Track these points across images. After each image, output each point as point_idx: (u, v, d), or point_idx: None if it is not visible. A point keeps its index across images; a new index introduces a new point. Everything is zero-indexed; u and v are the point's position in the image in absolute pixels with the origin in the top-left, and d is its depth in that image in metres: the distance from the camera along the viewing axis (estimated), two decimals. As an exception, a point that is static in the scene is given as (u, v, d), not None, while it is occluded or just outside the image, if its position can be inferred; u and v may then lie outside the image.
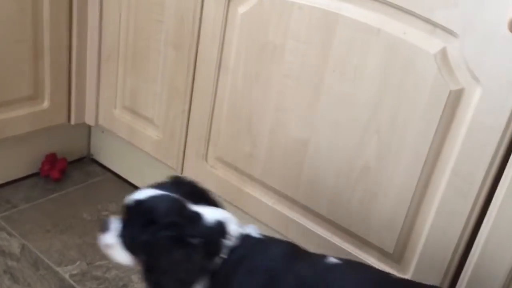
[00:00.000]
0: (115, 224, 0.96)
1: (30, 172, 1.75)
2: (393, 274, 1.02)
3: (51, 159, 1.76)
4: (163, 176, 1.04)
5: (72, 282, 1.37)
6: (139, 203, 0.95)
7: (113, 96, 1.62)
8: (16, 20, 1.42)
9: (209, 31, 1.30)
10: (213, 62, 1.32)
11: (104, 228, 0.97)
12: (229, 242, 0.90)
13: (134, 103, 1.57)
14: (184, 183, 1.01)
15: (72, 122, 1.71)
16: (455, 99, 1.00)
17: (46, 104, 1.60)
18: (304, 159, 1.23)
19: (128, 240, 0.94)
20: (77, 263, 1.44)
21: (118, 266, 1.35)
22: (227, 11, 1.26)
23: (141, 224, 0.91)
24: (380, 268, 1.08)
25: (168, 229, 0.88)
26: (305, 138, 1.21)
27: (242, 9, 1.23)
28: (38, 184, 1.73)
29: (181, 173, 1.51)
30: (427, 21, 1.00)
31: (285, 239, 1.11)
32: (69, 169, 1.80)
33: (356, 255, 1.20)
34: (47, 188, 1.71)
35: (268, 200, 1.32)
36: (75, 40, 1.58)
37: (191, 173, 1.47)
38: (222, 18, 1.27)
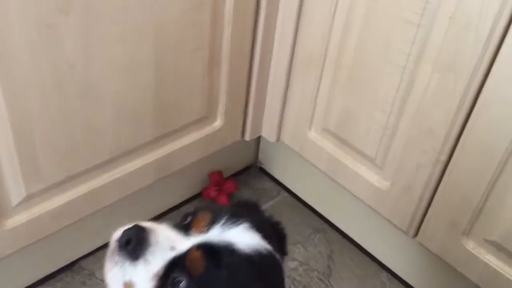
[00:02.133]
0: (157, 256, 0.56)
1: (190, 195, 1.39)
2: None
3: (217, 180, 1.37)
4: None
5: None
6: (235, 259, 0.56)
7: (309, 113, 1.15)
8: (191, 21, 0.98)
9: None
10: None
11: (130, 243, 0.56)
12: None
13: (344, 129, 1.10)
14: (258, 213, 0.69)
15: (247, 138, 1.29)
16: None
17: (218, 123, 1.18)
18: None
19: None
20: None
21: None
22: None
23: None
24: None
25: None
26: None
27: None
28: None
29: (414, 237, 1.06)
30: None
31: None
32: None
33: None
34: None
35: None
36: (259, 41, 1.10)
37: (437, 248, 1.01)
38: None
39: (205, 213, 0.59)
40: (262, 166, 1.50)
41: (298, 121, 1.20)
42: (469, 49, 0.82)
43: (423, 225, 1.02)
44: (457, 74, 0.85)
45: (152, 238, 0.56)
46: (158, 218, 1.33)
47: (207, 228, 0.57)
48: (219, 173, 1.38)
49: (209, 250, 0.55)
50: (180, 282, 0.55)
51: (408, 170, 1.00)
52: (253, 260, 0.56)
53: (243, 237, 0.57)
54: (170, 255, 0.56)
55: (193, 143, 1.15)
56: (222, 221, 0.57)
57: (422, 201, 1.00)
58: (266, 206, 1.41)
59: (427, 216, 1.01)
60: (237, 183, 1.41)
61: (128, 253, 0.55)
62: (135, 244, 0.55)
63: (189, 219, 0.60)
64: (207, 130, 1.17)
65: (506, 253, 0.91)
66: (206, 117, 1.15)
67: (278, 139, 1.28)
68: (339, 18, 1.00)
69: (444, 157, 0.93)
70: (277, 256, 0.60)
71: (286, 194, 1.45)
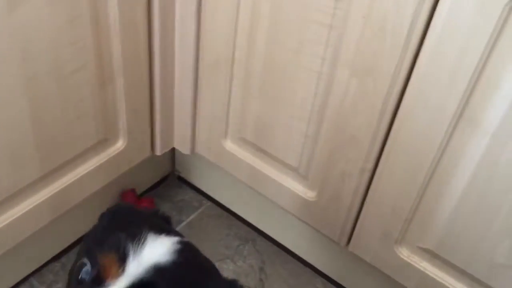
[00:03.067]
0: None
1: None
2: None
3: (131, 200, 1.24)
4: None
5: None
6: (172, 275, 0.51)
7: (223, 123, 1.04)
8: (69, 38, 0.82)
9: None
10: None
11: None
12: None
13: (262, 139, 1.00)
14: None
15: (158, 152, 1.16)
16: None
17: (121, 143, 1.04)
18: None
19: None
20: None
21: None
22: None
23: None
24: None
25: None
26: None
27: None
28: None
29: (346, 246, 0.99)
30: None
31: None
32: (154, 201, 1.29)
33: None
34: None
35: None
36: (156, 48, 0.96)
37: (370, 257, 0.95)
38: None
39: (107, 256, 0.50)
40: (181, 175, 1.38)
41: (211, 131, 1.08)
42: (387, 51, 0.74)
43: (355, 234, 0.96)
44: (376, 79, 0.77)
45: None
46: (70, 248, 1.19)
47: (121, 268, 0.49)
48: (132, 192, 1.25)
49: (142, 286, 0.48)
50: None
51: (335, 179, 0.92)
52: (183, 261, 0.52)
53: (156, 249, 0.51)
54: None
55: (93, 171, 1.00)
56: (130, 251, 0.50)
57: (352, 210, 0.93)
58: (189, 220, 1.30)
59: (357, 225, 0.94)
60: (153, 200, 1.28)
61: None
62: None
63: (88, 272, 0.50)
64: (109, 152, 1.03)
65: (441, 260, 0.86)
66: (105, 140, 1.00)
67: (193, 151, 1.16)
68: (243, 16, 0.88)
69: (370, 165, 0.86)
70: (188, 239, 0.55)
71: (209, 203, 1.34)
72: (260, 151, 1.02)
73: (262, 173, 1.04)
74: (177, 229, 1.28)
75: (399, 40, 0.71)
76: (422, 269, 0.88)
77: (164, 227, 0.55)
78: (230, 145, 1.07)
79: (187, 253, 0.53)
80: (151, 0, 0.90)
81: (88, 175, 0.99)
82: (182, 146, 1.16)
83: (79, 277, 0.51)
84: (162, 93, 1.05)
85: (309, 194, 0.98)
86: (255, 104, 0.97)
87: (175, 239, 0.53)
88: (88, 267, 0.51)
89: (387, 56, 0.74)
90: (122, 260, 0.49)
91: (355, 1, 0.74)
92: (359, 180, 0.88)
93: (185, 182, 1.38)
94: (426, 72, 0.71)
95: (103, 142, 1.00)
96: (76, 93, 0.88)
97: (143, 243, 0.50)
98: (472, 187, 0.76)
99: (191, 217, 1.30)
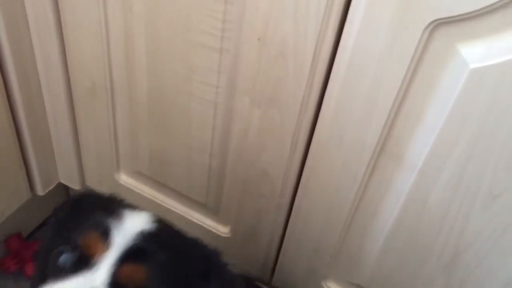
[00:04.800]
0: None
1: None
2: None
3: (16, 247, 1.05)
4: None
5: None
6: (159, 240, 0.52)
7: (111, 155, 0.87)
8: None
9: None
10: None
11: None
12: None
13: (161, 173, 0.85)
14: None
15: (41, 192, 0.97)
16: None
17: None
18: None
19: None
20: None
21: None
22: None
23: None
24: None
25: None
26: None
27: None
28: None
29: (269, 282, 0.89)
30: None
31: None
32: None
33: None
34: (26, 296, 1.05)
35: None
36: (14, 79, 0.77)
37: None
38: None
39: (88, 235, 0.49)
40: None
41: (100, 163, 0.91)
42: (290, 79, 0.61)
43: (277, 270, 0.85)
44: (281, 110, 0.64)
45: None
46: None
47: (106, 243, 0.49)
48: (16, 236, 1.06)
49: (132, 254, 0.49)
50: None
51: (249, 215, 0.80)
52: (165, 227, 0.54)
53: (136, 220, 0.52)
54: None
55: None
56: (111, 225, 0.50)
57: (271, 247, 0.82)
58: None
59: (279, 261, 0.83)
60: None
61: None
62: None
63: (69, 257, 0.49)
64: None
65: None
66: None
67: (83, 185, 0.99)
68: (115, 39, 0.72)
69: (286, 200, 0.75)
70: None
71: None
72: (160, 185, 0.88)
73: (166, 208, 0.90)
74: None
75: (303, 67, 0.58)
76: (354, 303, 0.80)
77: (129, 204, 0.55)
78: (125, 179, 0.91)
79: (165, 223, 0.54)
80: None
81: None
82: (70, 181, 0.99)
83: (57, 265, 0.49)
84: (33, 131, 0.86)
85: (222, 230, 0.86)
86: (147, 135, 0.81)
87: (148, 212, 0.53)
88: (66, 254, 0.49)
89: (291, 84, 0.61)
90: (105, 235, 0.49)
91: (245, 22, 0.59)
92: (275, 216, 0.77)
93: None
94: (338, 103, 0.59)
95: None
96: None
97: (121, 217, 0.51)
98: (401, 222, 0.66)
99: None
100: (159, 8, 0.65)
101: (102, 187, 0.96)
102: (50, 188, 0.99)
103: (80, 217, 0.53)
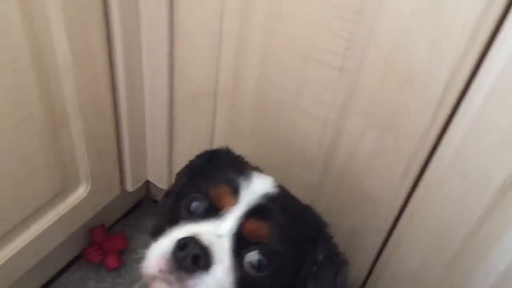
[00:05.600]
0: (222, 252, 0.52)
1: (66, 261, 1.08)
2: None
3: (100, 238, 1.08)
4: None
5: None
6: (282, 203, 0.56)
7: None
8: (8, 85, 0.64)
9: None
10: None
11: (198, 259, 0.50)
12: None
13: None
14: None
15: (130, 188, 0.99)
16: None
17: (83, 189, 0.87)
18: None
19: None
20: None
21: None
22: None
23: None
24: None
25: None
26: None
27: None
28: (87, 279, 1.07)
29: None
30: None
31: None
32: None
33: None
34: (104, 287, 1.07)
35: None
36: (121, 82, 0.78)
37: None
38: None
39: (221, 188, 0.55)
40: (156, 198, 1.22)
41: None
42: (415, 106, 0.58)
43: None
44: (399, 134, 0.62)
45: (205, 242, 0.50)
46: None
47: (235, 197, 0.54)
48: (102, 228, 1.08)
49: (257, 211, 0.54)
50: (253, 256, 0.52)
51: (342, 237, 0.78)
52: (286, 193, 0.58)
53: (263, 182, 0.56)
54: (226, 243, 0.52)
55: (51, 227, 0.83)
56: (241, 183, 0.55)
57: (360, 272, 0.79)
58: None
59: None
60: (125, 236, 1.12)
61: (202, 268, 0.50)
62: (204, 256, 0.50)
63: (200, 205, 0.55)
64: (69, 202, 0.86)
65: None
66: (63, 191, 0.84)
67: (169, 184, 1.00)
68: (228, 48, 0.71)
69: (387, 226, 0.72)
70: None
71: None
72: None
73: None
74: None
75: (432, 95, 0.56)
76: None
77: (257, 167, 0.61)
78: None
79: (285, 189, 0.59)
80: (110, 28, 0.71)
81: (43, 234, 0.83)
82: (158, 180, 1.00)
83: (189, 210, 0.55)
84: (131, 129, 0.88)
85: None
86: (244, 143, 0.80)
87: (272, 177, 0.58)
88: (198, 201, 0.55)
89: (414, 111, 0.58)
90: (235, 191, 0.54)
91: (372, 42, 0.57)
92: (372, 241, 0.74)
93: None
94: (467, 136, 0.56)
95: (61, 194, 0.84)
96: (22, 148, 0.71)
97: (250, 178, 0.56)
98: (516, 266, 0.62)
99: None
100: (280, 23, 0.63)
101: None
102: (139, 185, 1.00)
103: (213, 169, 0.59)
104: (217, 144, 0.85)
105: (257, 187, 0.55)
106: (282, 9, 0.62)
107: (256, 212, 0.53)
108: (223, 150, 0.64)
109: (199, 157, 0.64)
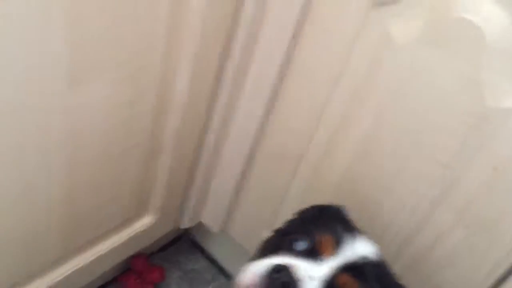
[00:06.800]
0: None
1: (102, 282, 1.07)
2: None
3: (141, 267, 1.08)
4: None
5: None
6: (377, 270, 0.58)
7: (270, 214, 0.89)
8: (127, 115, 0.66)
9: None
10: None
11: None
12: None
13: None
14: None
15: (183, 226, 1.01)
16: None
17: (150, 219, 0.88)
18: None
19: None
20: None
21: None
22: None
23: None
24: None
25: None
26: None
27: None
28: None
29: None
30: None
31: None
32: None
33: None
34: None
35: None
36: (215, 124, 0.82)
37: None
38: None
39: (325, 235, 0.59)
40: (195, 238, 1.23)
41: (253, 221, 0.94)
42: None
43: None
44: (493, 238, 0.64)
45: (297, 275, 0.54)
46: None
47: (336, 249, 0.57)
48: (144, 258, 1.09)
49: (353, 269, 0.56)
50: None
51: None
52: (383, 264, 0.60)
53: (365, 246, 0.59)
54: (315, 285, 0.55)
55: (111, 251, 0.85)
56: (344, 239, 0.58)
57: None
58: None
59: None
60: (164, 270, 1.13)
61: None
62: (292, 286, 0.54)
63: (303, 244, 0.59)
64: (134, 229, 0.88)
65: None
66: (132, 218, 0.85)
67: (222, 230, 1.02)
68: (330, 117, 0.74)
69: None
70: None
71: (223, 278, 1.19)
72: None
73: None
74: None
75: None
76: None
77: (362, 230, 0.62)
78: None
79: (384, 261, 0.61)
80: (220, 74, 0.75)
81: (104, 256, 0.84)
82: (212, 224, 1.01)
83: (291, 246, 0.59)
84: (206, 171, 0.90)
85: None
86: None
87: (377, 246, 0.60)
88: (302, 241, 0.59)
89: (515, 220, 0.61)
90: (338, 242, 0.58)
91: (486, 146, 0.60)
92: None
93: (197, 247, 1.23)
94: None
95: (130, 220, 0.85)
96: (118, 175, 0.73)
97: (355, 235, 0.59)
98: None
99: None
100: (395, 107, 0.67)
101: (243, 240, 0.98)
102: (193, 224, 1.01)
103: (322, 219, 0.63)
104: (287, 205, 0.88)
105: (359, 248, 0.58)
106: (401, 100, 0.66)
107: (352, 269, 0.56)
108: (336, 206, 0.66)
109: (312, 208, 0.67)
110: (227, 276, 1.19)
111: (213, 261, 1.21)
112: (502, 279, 0.66)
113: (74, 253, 0.78)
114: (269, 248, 0.63)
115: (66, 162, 0.62)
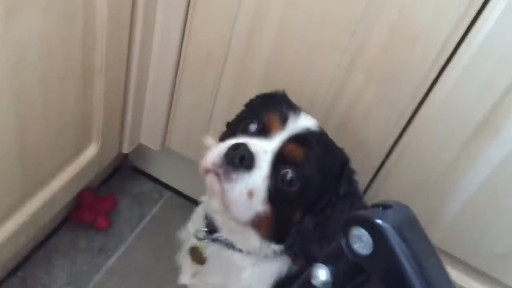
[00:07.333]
0: (263, 161, 0.65)
1: (54, 224, 1.11)
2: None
3: (90, 200, 1.12)
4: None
5: None
6: (319, 138, 0.70)
7: (205, 118, 0.97)
8: (58, 46, 0.69)
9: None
10: None
11: (244, 159, 0.64)
12: None
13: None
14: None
15: (126, 150, 1.05)
16: None
17: (94, 149, 0.92)
18: None
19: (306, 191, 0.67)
20: None
21: None
22: None
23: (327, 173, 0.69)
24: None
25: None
26: None
27: None
28: (77, 239, 1.12)
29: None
30: None
31: None
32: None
33: None
34: (95, 247, 1.12)
35: None
36: (137, 44, 0.85)
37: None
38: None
39: (273, 115, 0.69)
40: (134, 164, 1.28)
41: (189, 128, 1.00)
42: (415, 62, 0.73)
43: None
44: (398, 87, 0.76)
45: (252, 149, 0.64)
46: (27, 260, 1.06)
47: (282, 125, 0.68)
48: (90, 191, 1.13)
49: (298, 139, 0.67)
50: (287, 173, 0.65)
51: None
52: (323, 133, 0.71)
53: (307, 120, 0.70)
54: (268, 156, 0.65)
55: (69, 182, 0.89)
56: (289, 116, 0.68)
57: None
58: (152, 213, 1.22)
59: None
60: (115, 198, 1.18)
61: (245, 167, 0.63)
62: (248, 158, 0.63)
63: (254, 126, 0.69)
64: (84, 159, 0.91)
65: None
66: (80, 147, 0.89)
67: (163, 147, 1.08)
68: (245, 12, 0.81)
69: (375, 164, 0.87)
70: None
71: (169, 193, 1.27)
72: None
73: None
74: (142, 225, 1.21)
75: (431, 53, 0.71)
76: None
77: (304, 110, 0.72)
78: (210, 141, 1.01)
79: (324, 131, 0.71)
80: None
81: (63, 188, 0.88)
82: (151, 142, 1.07)
83: (245, 129, 0.69)
84: (137, 90, 0.94)
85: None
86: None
87: (315, 119, 0.71)
88: (253, 124, 0.69)
89: (413, 67, 0.73)
90: (284, 120, 0.68)
91: (383, 10, 0.71)
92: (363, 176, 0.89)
93: (140, 173, 1.28)
94: (455, 84, 0.72)
95: (80, 150, 0.89)
96: (60, 103, 0.76)
97: (298, 114, 0.69)
98: (483, 188, 0.80)
99: (154, 210, 1.23)
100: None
101: (185, 150, 1.05)
102: (133, 147, 1.06)
103: (268, 104, 0.72)
104: (219, 105, 0.95)
105: (302, 122, 0.69)
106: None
107: (297, 139, 0.67)
108: (280, 92, 0.75)
109: (257, 96, 0.76)
110: (173, 190, 1.27)
111: (156, 181, 1.28)
112: (406, 127, 0.81)
113: (30, 194, 0.81)
114: (225, 138, 0.70)
115: (13, 96, 0.65)
